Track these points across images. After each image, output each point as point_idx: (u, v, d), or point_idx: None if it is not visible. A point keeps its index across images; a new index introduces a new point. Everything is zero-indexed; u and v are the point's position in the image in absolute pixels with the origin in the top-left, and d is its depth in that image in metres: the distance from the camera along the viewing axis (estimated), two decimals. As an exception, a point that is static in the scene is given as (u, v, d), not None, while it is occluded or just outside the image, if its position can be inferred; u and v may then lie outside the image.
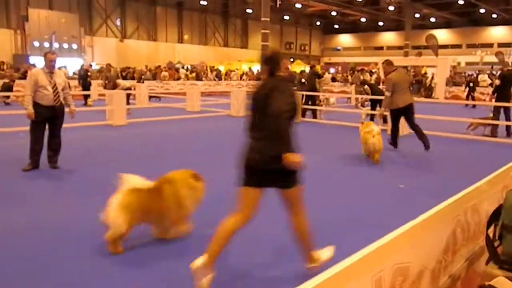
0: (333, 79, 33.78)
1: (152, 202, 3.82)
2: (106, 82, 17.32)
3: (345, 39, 60.37)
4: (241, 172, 3.21)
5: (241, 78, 34.22)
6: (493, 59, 41.52)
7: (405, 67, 33.84)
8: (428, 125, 11.74)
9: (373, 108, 13.78)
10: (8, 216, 4.68)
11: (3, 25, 32.77)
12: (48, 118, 6.53)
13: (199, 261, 3.07)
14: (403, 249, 2.03)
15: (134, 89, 18.77)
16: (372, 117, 12.06)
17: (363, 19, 51.88)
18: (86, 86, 18.13)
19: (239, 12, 48.76)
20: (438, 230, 2.43)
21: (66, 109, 6.78)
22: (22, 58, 30.04)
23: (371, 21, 52.88)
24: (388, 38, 56.05)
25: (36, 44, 31.86)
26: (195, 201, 4.01)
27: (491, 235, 2.71)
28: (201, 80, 30.06)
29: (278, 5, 40.41)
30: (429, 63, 30.12)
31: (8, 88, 17.57)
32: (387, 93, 8.37)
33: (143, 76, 24.53)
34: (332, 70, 46.01)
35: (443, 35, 49.50)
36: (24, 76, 17.97)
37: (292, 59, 49.70)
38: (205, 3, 43.45)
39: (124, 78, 17.13)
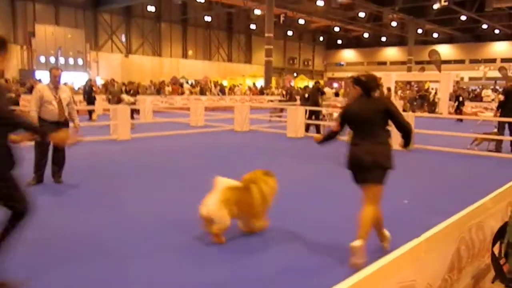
0: (336, 94, 33.90)
1: (244, 198, 4.39)
2: (110, 97, 17.46)
3: (348, 54, 60.73)
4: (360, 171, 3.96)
5: (244, 93, 34.42)
6: (497, 74, 41.66)
7: (409, 83, 34.04)
8: (431, 140, 11.77)
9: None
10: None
11: (10, 40, 32.85)
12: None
13: (357, 243, 3.69)
14: (407, 267, 2.01)
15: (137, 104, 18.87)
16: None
17: (366, 35, 52.22)
18: (91, 101, 18.27)
19: (243, 28, 49.26)
20: (443, 248, 2.41)
21: (71, 124, 6.83)
22: (28, 73, 30.37)
23: (374, 37, 53.23)
24: (391, 53, 56.37)
25: (42, 59, 32.24)
26: (273, 196, 4.61)
27: (496, 252, 2.68)
28: (205, 95, 30.24)
29: (281, 21, 40.85)
30: (432, 78, 30.20)
31: (15, 102, 17.73)
32: None
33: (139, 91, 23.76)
34: (335, 85, 46.19)
35: (446, 51, 49.78)
36: (29, 91, 18.14)
37: (295, 74, 50.02)
38: (209, 19, 43.95)
39: (128, 93, 17.23)
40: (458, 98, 21.60)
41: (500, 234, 2.69)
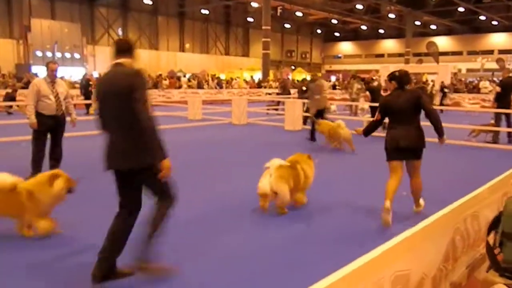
0: (334, 87, 33.86)
1: (293, 174, 5.09)
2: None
3: (346, 47, 60.58)
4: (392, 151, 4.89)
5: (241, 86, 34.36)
6: (494, 65, 41.59)
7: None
8: (429, 132, 11.76)
9: (373, 116, 13.78)
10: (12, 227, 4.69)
11: (6, 35, 33.02)
12: (50, 128, 6.56)
13: (387, 203, 4.67)
14: (403, 257, 2.02)
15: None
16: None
17: (363, 27, 52.08)
18: (88, 95, 18.21)
19: (240, 21, 49.05)
20: (438, 238, 2.43)
21: (68, 118, 6.82)
22: (24, 68, 30.20)
23: (372, 29, 53.07)
24: (389, 45, 56.23)
25: (39, 53, 32.07)
26: (313, 176, 5.38)
27: (491, 242, 2.70)
28: (203, 88, 30.16)
29: (279, 14, 40.74)
30: (430, 70, 30.17)
31: (11, 98, 17.66)
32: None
33: None
34: (333, 77, 46.13)
35: (443, 42, 49.67)
36: (26, 86, 18.06)
37: (293, 67, 49.89)
38: (206, 12, 43.74)
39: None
40: (443, 90, 21.59)
41: (494, 224, 2.71)
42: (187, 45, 45.47)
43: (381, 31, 54.37)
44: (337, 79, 42.74)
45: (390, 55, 54.56)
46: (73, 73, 30.35)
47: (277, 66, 49.59)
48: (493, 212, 2.91)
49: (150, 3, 39.24)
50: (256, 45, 48.35)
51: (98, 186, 6.33)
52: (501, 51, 46.22)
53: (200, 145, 10.78)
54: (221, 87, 32.12)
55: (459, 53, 50.39)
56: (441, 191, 5.94)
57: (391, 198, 4.73)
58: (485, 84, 28.96)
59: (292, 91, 21.97)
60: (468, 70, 46.90)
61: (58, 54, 32.50)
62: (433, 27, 49.87)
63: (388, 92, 5.18)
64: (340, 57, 60.51)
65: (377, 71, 26.05)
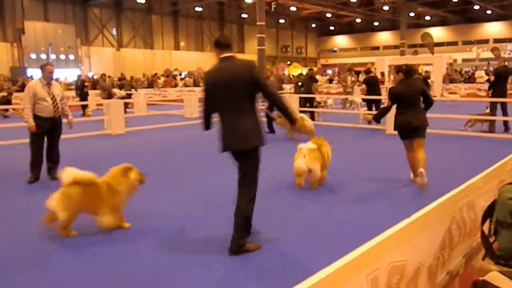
0: (330, 81, 33.86)
1: (321, 156, 6.00)
2: (101, 91, 17.36)
3: (341, 40, 60.50)
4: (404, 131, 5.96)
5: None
6: (490, 55, 41.63)
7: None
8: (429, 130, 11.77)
9: (369, 108, 13.79)
10: (9, 228, 4.70)
11: (-1, 38, 32.93)
12: (48, 130, 6.56)
13: (421, 169, 5.72)
14: (398, 247, 2.03)
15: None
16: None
17: (358, 20, 51.99)
18: (83, 96, 18.14)
19: (234, 17, 48.91)
20: (434, 227, 2.44)
21: (64, 120, 6.82)
22: (19, 71, 30.12)
23: (366, 22, 53.00)
24: (384, 37, 56.18)
25: (33, 56, 31.97)
26: (330, 156, 6.29)
27: (486, 230, 2.72)
28: (199, 86, 30.10)
29: (273, 9, 40.58)
30: (425, 61, 30.20)
31: (6, 101, 17.60)
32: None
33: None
34: (329, 71, 46.11)
35: (438, 33, 49.63)
36: (21, 89, 18.00)
37: (289, 63, 49.85)
38: (200, 9, 43.58)
39: (121, 87, 17.11)
40: (425, 80, 21.54)
41: (489, 212, 2.73)
42: (182, 43, 45.35)
43: (376, 23, 54.31)
44: (333, 73, 42.70)
45: (385, 47, 54.51)
46: (68, 74, 30.27)
47: (273, 61, 49.51)
48: (488, 201, 2.92)
49: (144, 2, 39.06)
50: (251, 41, 48.26)
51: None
52: (496, 40, 46.27)
53: (198, 142, 10.76)
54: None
55: (454, 44, 50.40)
56: (437, 181, 5.97)
57: (423, 165, 5.74)
58: (480, 74, 29.02)
59: (288, 86, 21.94)
60: (464, 60, 46.93)
61: (53, 56, 32.41)
62: (427, 18, 49.82)
63: (395, 83, 6.12)
64: (335, 51, 60.42)
65: (372, 63, 26.02)
